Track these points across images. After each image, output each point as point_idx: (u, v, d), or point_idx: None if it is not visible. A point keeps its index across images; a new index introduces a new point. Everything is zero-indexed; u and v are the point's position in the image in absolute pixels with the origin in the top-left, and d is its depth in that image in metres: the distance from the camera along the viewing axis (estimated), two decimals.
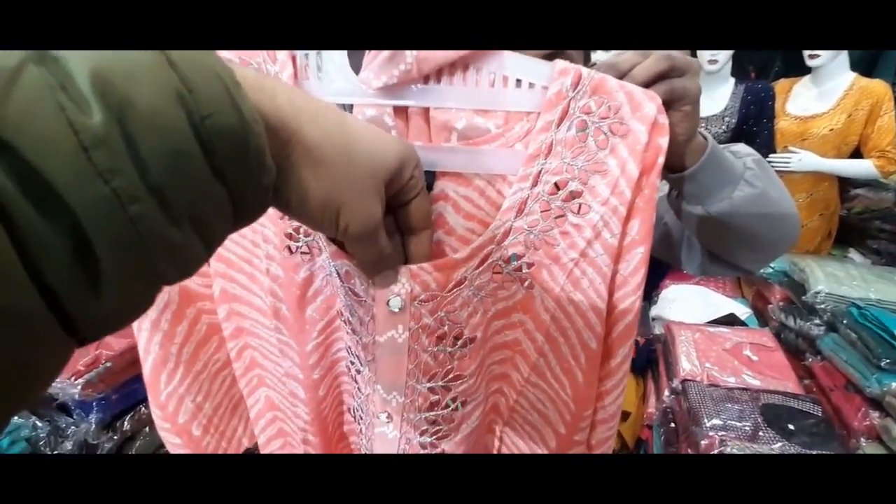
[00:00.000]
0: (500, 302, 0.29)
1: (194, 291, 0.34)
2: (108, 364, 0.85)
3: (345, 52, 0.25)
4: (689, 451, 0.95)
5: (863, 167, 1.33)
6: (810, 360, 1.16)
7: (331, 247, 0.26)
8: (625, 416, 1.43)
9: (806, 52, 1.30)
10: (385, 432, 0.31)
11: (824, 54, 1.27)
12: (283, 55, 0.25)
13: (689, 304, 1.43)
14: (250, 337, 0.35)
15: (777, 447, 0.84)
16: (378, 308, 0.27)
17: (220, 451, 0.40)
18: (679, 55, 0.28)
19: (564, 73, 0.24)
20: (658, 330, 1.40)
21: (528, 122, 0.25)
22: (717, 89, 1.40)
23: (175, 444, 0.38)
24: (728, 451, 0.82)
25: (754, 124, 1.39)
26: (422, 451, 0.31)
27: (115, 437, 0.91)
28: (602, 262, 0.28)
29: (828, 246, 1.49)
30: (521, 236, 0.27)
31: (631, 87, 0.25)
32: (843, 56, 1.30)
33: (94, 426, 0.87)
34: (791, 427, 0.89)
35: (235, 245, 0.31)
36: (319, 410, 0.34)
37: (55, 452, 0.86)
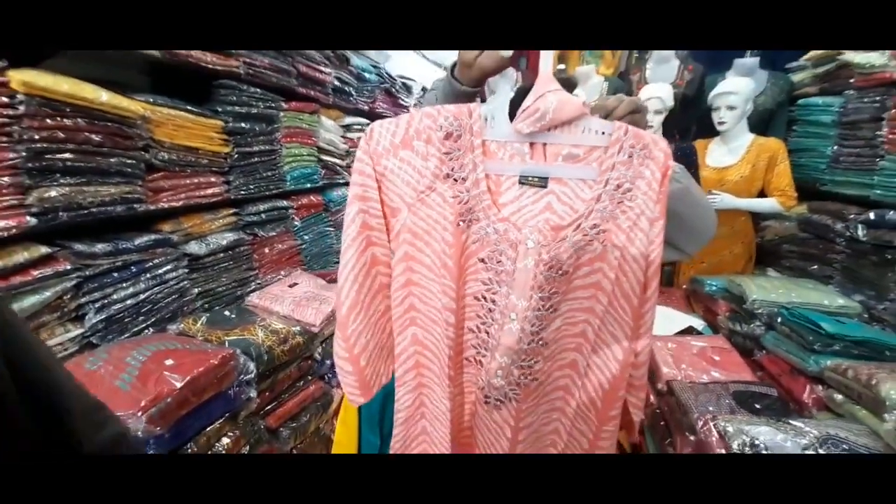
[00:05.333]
0: (587, 253, 0.52)
1: (378, 258, 0.54)
2: (169, 400, 0.88)
3: (506, 110, 0.49)
4: (685, 437, 1.11)
5: (767, 204, 1.76)
6: (758, 355, 1.37)
7: (500, 214, 0.48)
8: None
9: (715, 119, 1.75)
10: (511, 328, 0.51)
11: (729, 121, 1.72)
12: (476, 113, 0.48)
13: (656, 321, 1.72)
14: (414, 287, 0.54)
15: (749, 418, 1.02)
16: (521, 246, 0.49)
17: (372, 381, 0.56)
18: (637, 101, 0.55)
19: (620, 127, 0.49)
20: None
21: (601, 152, 0.50)
22: None
23: (346, 372, 0.55)
24: (719, 425, 0.99)
25: None
26: (532, 337, 0.51)
27: None
28: (645, 228, 0.51)
29: (750, 268, 1.88)
30: (598, 214, 0.50)
31: (652, 135, 0.50)
32: (743, 122, 1.77)
33: None
34: (757, 406, 1.10)
35: (422, 221, 0.52)
36: (460, 329, 0.54)
37: None
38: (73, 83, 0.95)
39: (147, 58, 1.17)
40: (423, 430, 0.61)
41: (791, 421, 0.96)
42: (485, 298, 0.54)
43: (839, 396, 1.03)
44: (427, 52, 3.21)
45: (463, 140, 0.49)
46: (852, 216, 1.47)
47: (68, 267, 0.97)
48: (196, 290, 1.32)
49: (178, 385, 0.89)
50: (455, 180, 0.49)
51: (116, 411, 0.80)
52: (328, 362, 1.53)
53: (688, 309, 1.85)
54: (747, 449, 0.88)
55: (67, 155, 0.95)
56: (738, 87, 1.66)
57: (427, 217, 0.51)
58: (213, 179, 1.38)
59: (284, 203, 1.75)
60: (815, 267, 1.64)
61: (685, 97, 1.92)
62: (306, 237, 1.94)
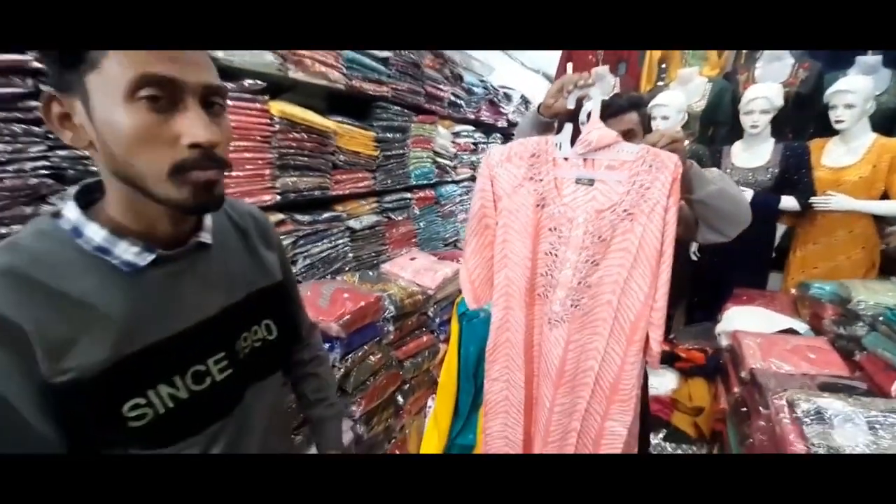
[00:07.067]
0: (619, 227, 0.84)
1: (489, 225, 0.94)
2: (348, 316, 1.41)
3: (569, 140, 0.85)
4: (759, 413, 1.17)
5: (891, 207, 1.71)
6: (858, 356, 1.38)
7: (562, 201, 0.85)
8: (700, 410, 1.78)
9: (832, 118, 1.76)
10: (566, 273, 0.87)
11: (847, 120, 1.72)
12: (550, 142, 0.86)
13: (750, 321, 1.72)
14: (508, 244, 0.93)
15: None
16: (575, 221, 0.84)
17: (481, 297, 0.97)
18: (675, 133, 0.85)
19: (644, 148, 0.81)
20: (724, 343, 1.74)
21: (629, 164, 0.83)
22: (760, 146, 1.89)
23: (467, 290, 0.97)
24: (790, 396, 1.05)
25: (794, 173, 1.84)
26: (580, 280, 0.86)
27: (342, 370, 1.45)
28: (660, 213, 0.81)
29: (873, 275, 1.82)
30: (627, 202, 0.83)
31: (666, 153, 0.81)
32: (865, 120, 1.74)
33: (337, 357, 1.43)
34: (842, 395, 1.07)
35: (514, 205, 0.90)
36: (534, 273, 0.91)
37: None
38: (303, 111, 1.54)
39: (330, 89, 1.73)
40: (507, 340, 1.00)
41: (863, 398, 1.04)
42: (551, 254, 0.90)
43: None
44: (525, 61, 3.55)
45: (542, 157, 0.86)
46: None
47: (291, 229, 1.55)
48: (352, 255, 1.90)
49: (354, 308, 1.43)
50: (535, 181, 0.87)
51: (321, 318, 1.34)
52: (437, 320, 2.00)
53: (794, 314, 1.85)
54: (812, 416, 0.98)
55: (296, 156, 1.52)
56: (856, 85, 1.65)
57: (518, 202, 0.90)
58: (366, 174, 1.94)
59: (408, 195, 2.28)
60: None
61: (799, 95, 1.93)
62: (421, 224, 2.45)
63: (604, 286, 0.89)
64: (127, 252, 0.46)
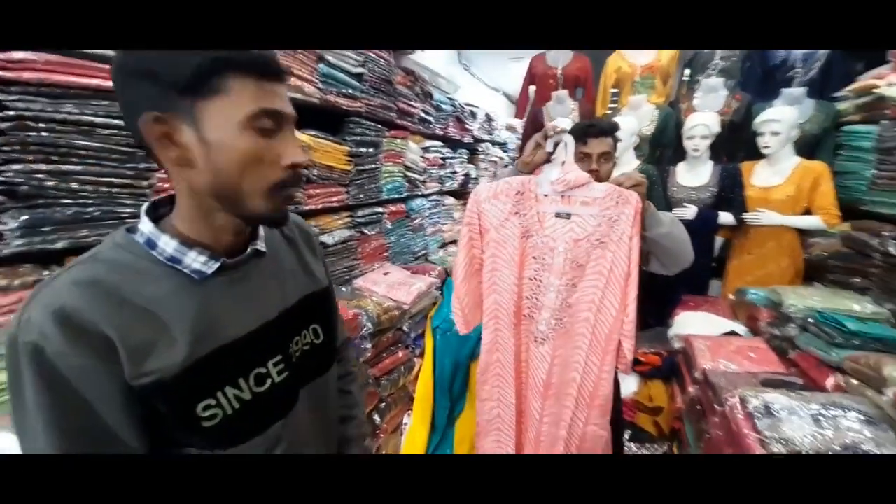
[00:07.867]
0: (594, 254, 0.96)
1: (476, 255, 1.02)
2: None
3: (549, 181, 0.94)
4: (713, 410, 1.29)
5: (813, 221, 1.97)
6: (791, 354, 1.55)
7: (544, 233, 0.94)
8: (659, 410, 1.95)
9: (760, 144, 2.01)
10: (550, 296, 0.97)
11: (773, 145, 1.97)
12: (532, 181, 0.95)
13: (698, 325, 1.93)
14: (497, 272, 1.01)
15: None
16: (556, 250, 0.94)
17: (469, 322, 1.04)
18: (639, 177, 0.97)
19: (611, 187, 0.94)
20: (677, 345, 1.93)
21: (600, 200, 0.94)
22: (700, 167, 2.11)
23: (458, 316, 1.03)
24: (741, 394, 1.17)
25: (730, 192, 2.08)
26: (562, 301, 0.96)
27: None
28: (627, 242, 0.94)
29: (798, 282, 2.09)
30: (599, 232, 0.95)
31: (629, 191, 0.94)
32: (789, 146, 2.01)
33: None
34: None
35: (502, 237, 0.99)
36: (520, 297, 1.00)
37: None
38: None
39: (303, 103, 1.72)
40: (497, 360, 1.08)
41: (803, 392, 1.16)
42: (535, 279, 0.99)
43: (854, 381, 1.25)
44: (487, 80, 3.73)
45: (526, 194, 0.96)
46: (887, 233, 1.66)
47: None
48: None
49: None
50: (521, 215, 0.96)
51: None
52: (413, 335, 2.04)
53: (732, 317, 2.07)
54: (761, 411, 1.09)
55: None
56: (782, 115, 1.90)
57: (505, 234, 0.98)
58: (339, 189, 1.95)
59: (380, 209, 2.31)
60: (857, 280, 1.82)
61: (732, 123, 2.17)
62: (392, 238, 2.48)
63: (582, 305, 0.99)
64: (196, 261, 0.51)
